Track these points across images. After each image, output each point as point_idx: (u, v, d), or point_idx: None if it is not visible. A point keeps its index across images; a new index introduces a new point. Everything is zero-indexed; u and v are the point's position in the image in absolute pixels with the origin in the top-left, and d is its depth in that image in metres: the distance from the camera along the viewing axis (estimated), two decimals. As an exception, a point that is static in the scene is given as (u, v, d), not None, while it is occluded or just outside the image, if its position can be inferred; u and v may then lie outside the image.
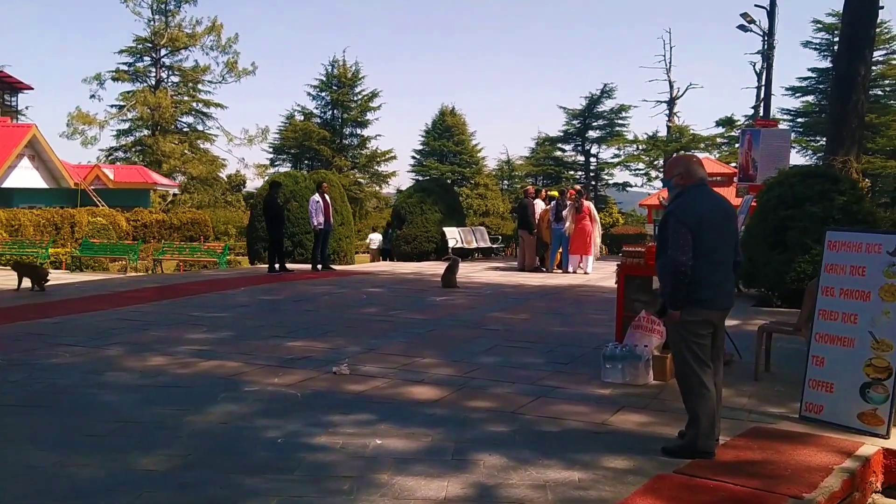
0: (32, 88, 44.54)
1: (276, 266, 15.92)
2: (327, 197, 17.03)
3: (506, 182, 58.43)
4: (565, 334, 8.94)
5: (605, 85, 51.72)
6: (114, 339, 8.29)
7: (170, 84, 59.64)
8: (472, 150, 57.58)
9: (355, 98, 55.02)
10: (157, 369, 6.85)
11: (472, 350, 7.93)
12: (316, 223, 16.30)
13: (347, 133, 55.64)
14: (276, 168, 54.51)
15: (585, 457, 4.69)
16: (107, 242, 22.77)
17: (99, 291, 12.76)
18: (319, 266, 16.58)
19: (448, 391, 6.24)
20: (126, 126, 58.72)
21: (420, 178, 48.54)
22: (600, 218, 19.82)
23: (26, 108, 70.65)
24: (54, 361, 7.12)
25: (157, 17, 58.13)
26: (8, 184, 33.12)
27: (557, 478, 4.34)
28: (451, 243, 21.45)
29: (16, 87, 42.38)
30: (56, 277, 19.61)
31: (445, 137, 56.58)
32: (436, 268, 16.17)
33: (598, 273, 16.71)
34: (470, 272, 16.81)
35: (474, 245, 23.30)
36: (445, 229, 22.20)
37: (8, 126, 35.47)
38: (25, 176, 34.97)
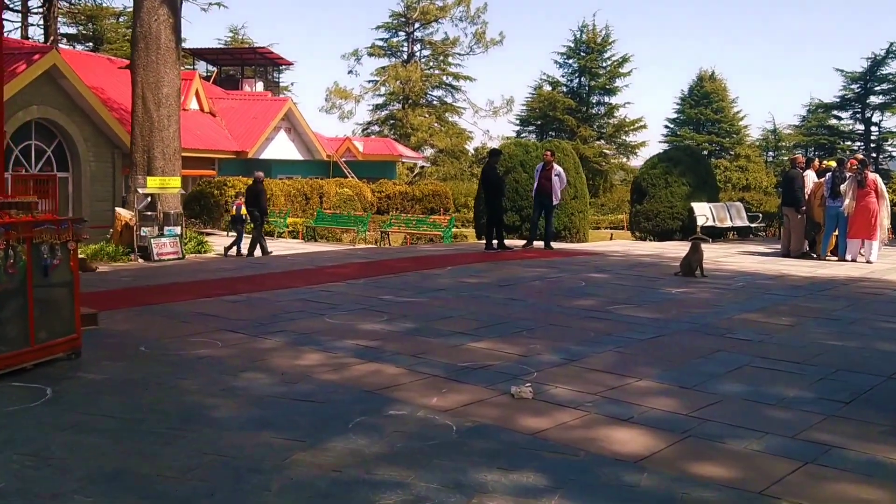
0: (292, 64, 46.97)
1: (494, 243, 14.50)
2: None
3: (771, 154, 53.03)
4: (845, 352, 6.54)
5: (892, 44, 44.45)
6: (281, 325, 7.26)
7: (421, 58, 60.75)
8: (732, 118, 52.79)
9: (604, 64, 52.39)
10: (304, 372, 5.61)
11: (708, 370, 5.87)
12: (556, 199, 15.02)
13: (594, 102, 53.22)
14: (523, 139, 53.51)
15: None
16: (339, 213, 22.83)
17: (305, 265, 12.12)
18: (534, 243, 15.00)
19: (665, 441, 4.33)
20: (380, 100, 60.89)
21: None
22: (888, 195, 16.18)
23: (291, 84, 76.20)
24: (199, 353, 6.15)
25: (410, -10, 59.25)
26: (266, 155, 34.96)
27: None
28: (699, 221, 18.79)
29: (279, 63, 44.88)
30: (285, 247, 19.97)
31: (703, 105, 52.32)
32: (679, 249, 13.85)
33: (885, 262, 13.44)
34: (719, 256, 14.27)
35: (728, 223, 20.35)
36: (694, 205, 19.53)
37: (267, 99, 37.47)
38: (282, 147, 36.81)
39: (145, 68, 16.84)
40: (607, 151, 52.96)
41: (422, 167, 55.36)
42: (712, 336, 7.10)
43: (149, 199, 16.66)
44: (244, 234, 18.66)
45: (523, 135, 54.58)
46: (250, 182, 19.75)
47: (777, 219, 21.40)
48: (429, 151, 59.24)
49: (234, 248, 18.29)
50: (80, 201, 23.64)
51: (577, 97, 52.40)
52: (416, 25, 59.94)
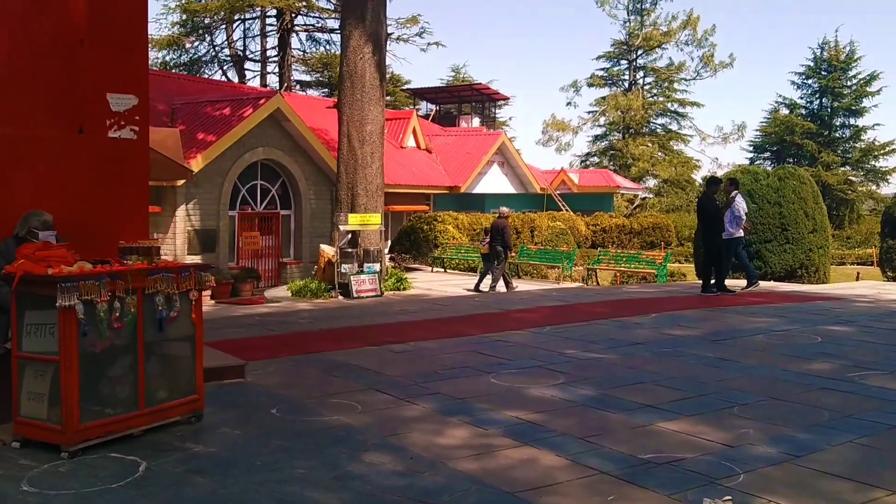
0: (508, 99, 46.84)
1: (713, 285, 12.66)
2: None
3: None
4: None
5: None
6: (437, 385, 6.28)
7: (644, 85, 58.53)
8: None
9: (849, 83, 47.31)
10: (439, 456, 4.56)
11: None
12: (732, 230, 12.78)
13: (838, 124, 48.14)
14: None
15: None
16: (544, 249, 21.70)
17: (490, 308, 11.15)
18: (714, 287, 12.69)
19: None
20: (599, 131, 59.34)
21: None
22: None
23: (509, 118, 76.63)
24: (332, 420, 5.30)
25: (632, 17, 57.55)
26: (479, 189, 34.78)
27: None
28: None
29: (495, 98, 44.95)
30: (483, 286, 19.01)
31: (972, 122, 45.47)
32: (947, 295, 11.26)
33: None
34: None
35: None
36: (966, 239, 16.29)
37: (481, 134, 37.43)
38: (495, 181, 36.50)
39: (350, 106, 16.91)
40: (853, 178, 47.53)
41: (643, 198, 52.92)
42: None
43: (349, 235, 16.60)
44: (495, 269, 17.72)
45: (757, 162, 50.58)
46: (452, 216, 19.24)
47: None
48: (651, 182, 56.65)
49: (486, 282, 17.51)
50: (301, 238, 24.51)
51: (818, 120, 47.66)
52: (639, 52, 57.90)
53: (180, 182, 20.29)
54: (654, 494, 3.97)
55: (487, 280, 17.45)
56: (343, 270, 16.06)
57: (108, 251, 5.29)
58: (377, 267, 16.44)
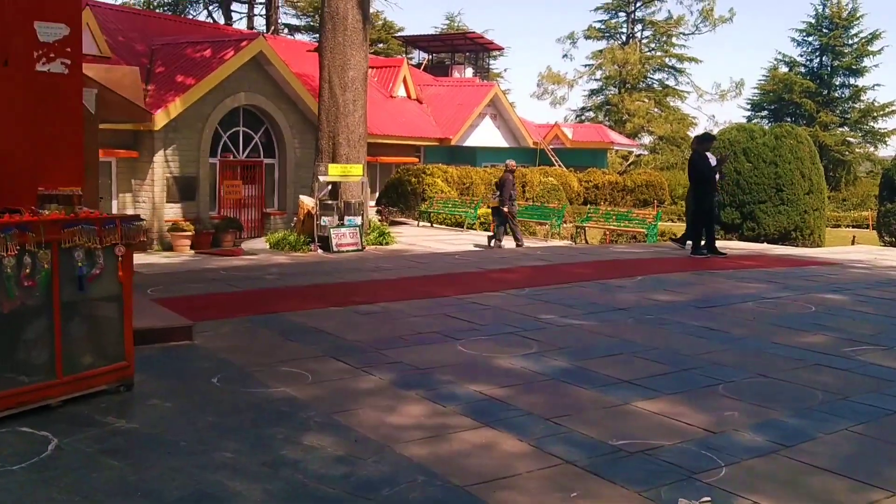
0: (503, 49, 45.75)
1: (703, 246, 12.16)
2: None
3: None
4: None
5: None
6: (400, 353, 5.78)
7: (642, 39, 57.32)
8: None
9: (850, 42, 46.38)
10: (386, 438, 4.08)
11: None
12: None
13: (837, 84, 47.34)
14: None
15: None
16: (532, 205, 21.13)
17: (470, 267, 10.63)
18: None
19: None
20: (595, 85, 58.28)
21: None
22: None
23: (504, 70, 75.19)
24: (277, 392, 4.81)
25: (635, -32, 55.98)
26: (470, 142, 34.03)
27: None
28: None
29: (489, 49, 43.85)
30: (468, 241, 18.43)
31: (974, 85, 44.74)
32: (945, 263, 10.81)
33: None
34: None
35: None
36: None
37: (473, 85, 36.53)
38: (487, 134, 35.73)
39: (332, 51, 16.15)
40: (851, 139, 46.90)
41: (637, 155, 52.20)
42: None
43: (329, 186, 16.00)
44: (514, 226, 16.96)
45: (754, 120, 49.80)
46: (442, 169, 18.61)
47: None
48: (646, 139, 55.84)
49: (495, 239, 16.90)
50: (285, 188, 23.85)
51: (818, 79, 46.83)
52: (637, 5, 56.57)
53: (159, 126, 19.57)
54: (624, 491, 3.50)
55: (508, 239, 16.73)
56: (323, 223, 15.50)
57: (30, 199, 4.73)
58: (358, 220, 15.88)
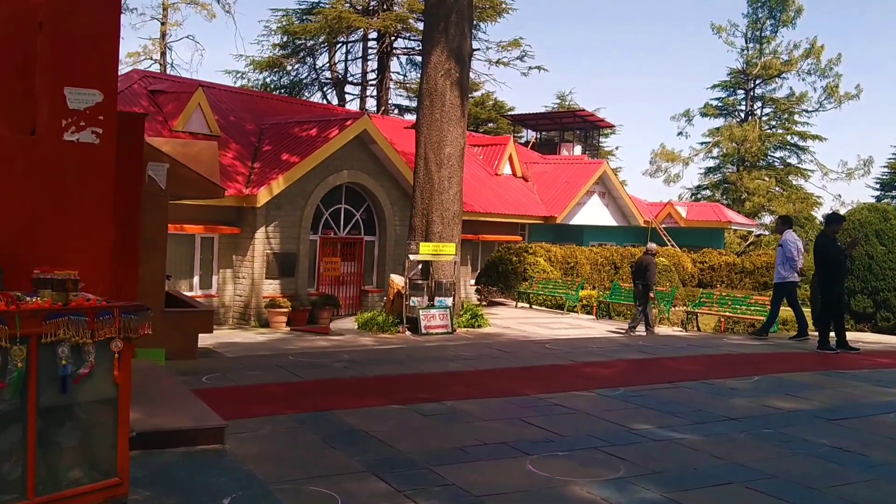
0: (614, 127, 44.91)
1: (832, 339, 10.65)
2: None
3: None
4: None
5: None
6: (454, 471, 4.83)
7: (762, 116, 55.29)
8: None
9: None
10: None
11: None
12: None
13: (982, 160, 43.64)
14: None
15: None
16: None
17: (559, 359, 9.57)
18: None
19: None
20: (711, 163, 56.40)
21: None
22: None
23: (616, 148, 74.09)
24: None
25: (750, 45, 54.66)
26: (576, 220, 33.03)
27: None
28: None
29: (600, 126, 43.15)
30: (566, 325, 17.12)
31: None
32: None
33: None
34: None
35: None
36: None
37: (581, 163, 35.71)
38: (595, 213, 34.65)
39: (429, 126, 15.78)
40: None
41: (757, 236, 49.61)
42: None
43: (420, 265, 15.37)
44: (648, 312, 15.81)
45: (884, 200, 46.64)
46: (545, 248, 17.70)
47: None
48: (767, 219, 53.13)
49: (640, 325, 15.79)
50: (384, 265, 23.50)
51: (958, 155, 43.42)
52: (757, 82, 54.77)
53: (261, 202, 19.66)
54: None
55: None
56: (412, 304, 14.84)
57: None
58: (449, 301, 15.13)
